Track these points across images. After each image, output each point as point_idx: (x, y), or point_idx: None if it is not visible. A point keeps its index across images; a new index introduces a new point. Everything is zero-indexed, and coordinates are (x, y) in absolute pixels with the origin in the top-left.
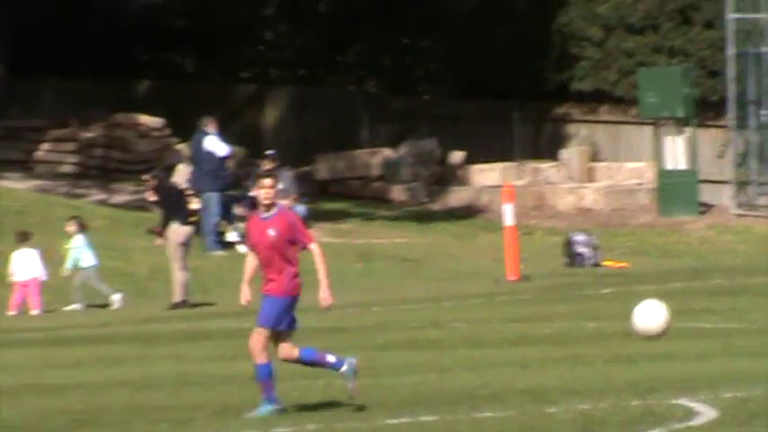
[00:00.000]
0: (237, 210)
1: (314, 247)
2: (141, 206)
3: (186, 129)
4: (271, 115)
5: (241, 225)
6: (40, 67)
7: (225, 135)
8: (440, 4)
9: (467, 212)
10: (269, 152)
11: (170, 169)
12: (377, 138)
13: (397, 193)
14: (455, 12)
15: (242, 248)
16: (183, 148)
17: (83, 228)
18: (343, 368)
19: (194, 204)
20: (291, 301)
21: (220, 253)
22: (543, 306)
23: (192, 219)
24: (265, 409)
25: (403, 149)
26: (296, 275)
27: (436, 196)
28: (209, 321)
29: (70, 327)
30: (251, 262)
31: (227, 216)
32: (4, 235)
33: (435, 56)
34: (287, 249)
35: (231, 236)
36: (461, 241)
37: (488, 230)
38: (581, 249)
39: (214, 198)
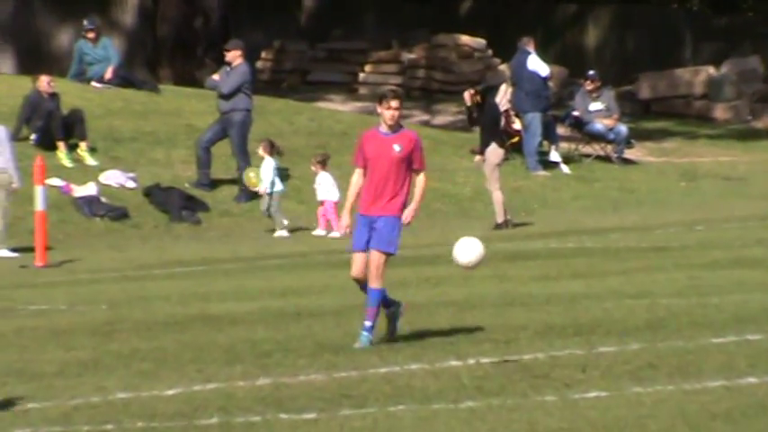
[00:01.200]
0: (560, 129)
1: (422, 175)
2: (463, 127)
3: (507, 49)
4: (592, 34)
5: (563, 145)
6: None
7: (545, 55)
8: None
9: None
10: (590, 72)
11: (493, 89)
12: (699, 56)
13: (721, 111)
14: None
15: (565, 168)
16: (505, 68)
17: (273, 150)
18: (394, 309)
19: (516, 125)
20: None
21: (543, 173)
22: None
23: (513, 140)
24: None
25: (726, 67)
26: (407, 196)
27: (760, 114)
28: (531, 241)
29: None
30: (358, 182)
31: (550, 136)
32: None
33: None
34: (408, 167)
35: (554, 156)
36: None
37: None
38: None
39: (537, 118)
